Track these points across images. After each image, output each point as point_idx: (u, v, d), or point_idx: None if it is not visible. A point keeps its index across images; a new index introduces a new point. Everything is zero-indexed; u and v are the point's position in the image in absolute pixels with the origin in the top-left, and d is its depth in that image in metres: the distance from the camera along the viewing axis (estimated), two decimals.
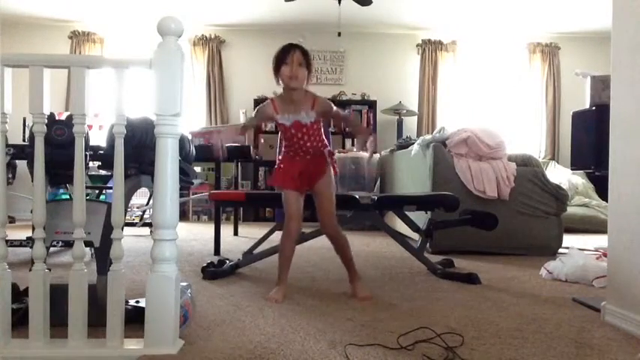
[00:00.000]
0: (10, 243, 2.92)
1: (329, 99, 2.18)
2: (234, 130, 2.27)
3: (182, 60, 1.40)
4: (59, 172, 1.78)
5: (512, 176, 3.38)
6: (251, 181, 6.55)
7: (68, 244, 3.16)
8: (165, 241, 1.39)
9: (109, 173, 1.98)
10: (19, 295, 1.61)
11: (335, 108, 2.18)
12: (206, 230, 4.71)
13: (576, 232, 4.65)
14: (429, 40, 6.78)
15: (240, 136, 2.27)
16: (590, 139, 5.58)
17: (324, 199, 2.10)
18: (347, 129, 2.47)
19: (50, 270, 1.43)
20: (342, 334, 1.56)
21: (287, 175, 2.12)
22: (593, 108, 5.60)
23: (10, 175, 4.39)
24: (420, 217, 3.03)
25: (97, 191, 3.85)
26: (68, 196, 3.04)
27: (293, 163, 2.13)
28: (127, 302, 1.55)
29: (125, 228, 1.54)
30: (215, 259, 2.79)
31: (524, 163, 3.56)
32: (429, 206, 2.79)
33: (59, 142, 1.78)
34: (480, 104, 6.76)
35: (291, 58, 2.00)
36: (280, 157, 2.20)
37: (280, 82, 2.06)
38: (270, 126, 6.52)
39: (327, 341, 1.49)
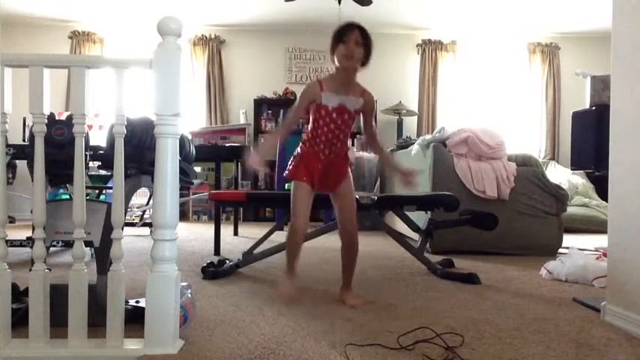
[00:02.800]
0: (10, 243, 2.92)
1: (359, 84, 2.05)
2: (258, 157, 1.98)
3: (181, 60, 1.40)
4: (59, 172, 1.78)
5: (512, 176, 3.38)
6: (251, 181, 6.55)
7: (68, 244, 3.16)
8: (165, 241, 1.39)
9: (109, 173, 1.98)
10: (19, 295, 1.61)
11: (373, 122, 2.11)
12: (206, 230, 4.71)
13: (576, 232, 4.65)
14: (429, 40, 6.78)
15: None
16: (590, 139, 5.58)
17: (348, 202, 1.99)
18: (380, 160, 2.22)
19: (50, 270, 1.43)
20: (342, 334, 1.55)
21: (307, 168, 1.95)
22: (593, 108, 5.60)
23: (10, 175, 4.39)
24: (420, 217, 3.03)
25: (97, 191, 3.85)
26: (68, 196, 3.04)
27: (316, 158, 1.97)
28: (127, 302, 1.55)
29: (125, 228, 1.54)
30: (215, 259, 2.78)
31: (524, 163, 3.56)
32: (429, 206, 2.79)
33: (59, 142, 1.78)
34: (480, 104, 6.76)
35: (349, 36, 1.87)
36: (300, 150, 2.01)
37: (335, 60, 1.91)
38: (270, 126, 6.53)
39: (327, 341, 1.49)
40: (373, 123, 2.13)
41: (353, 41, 1.88)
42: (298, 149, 2.03)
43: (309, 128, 2.00)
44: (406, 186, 2.05)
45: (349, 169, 2.05)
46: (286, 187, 2.08)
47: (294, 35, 6.72)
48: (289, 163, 2.03)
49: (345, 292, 2.04)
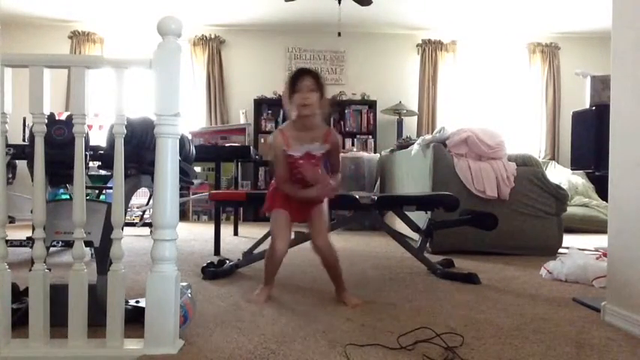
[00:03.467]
0: (10, 243, 2.92)
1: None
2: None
3: (181, 60, 1.40)
4: (59, 172, 1.78)
5: (512, 176, 3.38)
6: (251, 181, 6.55)
7: (68, 244, 3.16)
8: (165, 241, 1.39)
9: (109, 173, 1.98)
10: (19, 295, 1.62)
11: (339, 156, 2.15)
12: (206, 230, 4.71)
13: (576, 232, 4.65)
14: (429, 40, 6.78)
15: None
16: (590, 139, 5.57)
17: (317, 216, 2.02)
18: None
19: (50, 270, 1.43)
20: (342, 334, 1.56)
21: (283, 198, 2.02)
22: (593, 108, 5.60)
23: (10, 175, 4.39)
24: (420, 217, 3.03)
25: (97, 191, 3.85)
26: (68, 196, 3.04)
27: (290, 200, 2.03)
28: (127, 302, 1.55)
29: (125, 228, 1.54)
30: (215, 259, 2.78)
31: (524, 163, 3.56)
32: (429, 206, 2.79)
33: (59, 142, 1.78)
34: (480, 104, 6.76)
35: (301, 84, 1.93)
36: (275, 187, 2.08)
37: (293, 110, 1.96)
38: (269, 126, 6.53)
39: (327, 341, 1.49)
40: (339, 159, 2.16)
41: (306, 89, 1.93)
42: (273, 183, 2.10)
43: None
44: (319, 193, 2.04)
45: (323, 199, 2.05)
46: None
47: (294, 35, 6.72)
48: (266, 198, 2.10)
49: (342, 293, 2.04)
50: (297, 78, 1.96)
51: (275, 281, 2.10)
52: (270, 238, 2.04)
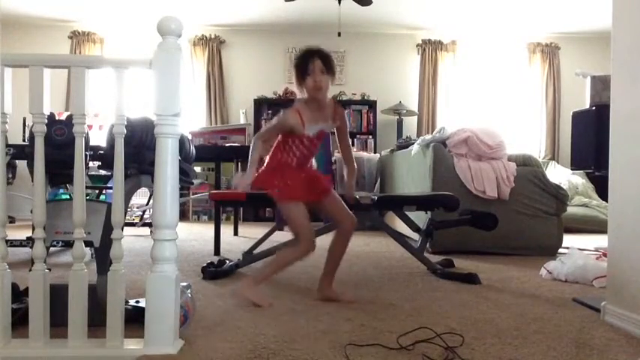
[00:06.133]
0: (10, 243, 2.92)
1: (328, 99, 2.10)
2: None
3: (181, 60, 1.40)
4: (59, 172, 1.78)
5: (512, 176, 3.38)
6: None
7: (68, 244, 3.16)
8: (165, 241, 1.39)
9: (109, 173, 1.98)
10: (19, 295, 1.61)
11: (348, 134, 2.18)
12: (206, 230, 4.71)
13: (576, 232, 4.65)
14: (429, 40, 6.78)
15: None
16: (590, 139, 5.57)
17: (334, 201, 2.03)
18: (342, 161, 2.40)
19: (50, 270, 1.43)
20: (342, 334, 1.55)
21: (298, 188, 1.96)
22: (593, 108, 5.59)
23: (10, 175, 4.40)
24: (420, 217, 3.03)
25: (97, 191, 3.85)
26: (68, 196, 3.04)
27: (299, 175, 2.00)
28: (127, 302, 1.55)
29: (125, 228, 1.54)
30: (215, 259, 2.78)
31: (524, 163, 3.56)
32: (429, 206, 2.79)
33: (59, 142, 1.78)
34: (479, 104, 6.76)
35: (312, 66, 1.92)
36: (273, 162, 2.02)
37: (304, 91, 1.96)
38: None
39: (327, 341, 1.49)
40: (348, 136, 2.19)
41: (318, 71, 1.93)
42: (269, 160, 2.03)
43: (288, 146, 2.01)
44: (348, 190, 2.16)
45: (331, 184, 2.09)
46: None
47: (294, 35, 6.71)
48: (266, 174, 2.01)
49: (330, 286, 2.05)
50: (308, 59, 1.94)
51: (271, 281, 2.09)
52: (292, 227, 1.97)
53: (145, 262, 2.85)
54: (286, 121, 1.96)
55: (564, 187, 3.74)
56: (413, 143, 3.96)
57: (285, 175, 1.97)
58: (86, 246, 1.49)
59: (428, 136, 3.73)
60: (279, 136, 2.02)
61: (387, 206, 2.99)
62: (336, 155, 5.41)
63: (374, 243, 3.94)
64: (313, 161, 2.14)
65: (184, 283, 1.64)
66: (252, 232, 4.52)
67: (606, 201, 1.98)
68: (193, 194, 6.04)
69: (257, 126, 6.52)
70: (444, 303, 2.01)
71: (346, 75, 6.81)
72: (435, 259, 2.84)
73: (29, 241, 2.91)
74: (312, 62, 1.93)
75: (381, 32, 6.83)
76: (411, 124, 6.73)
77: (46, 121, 1.42)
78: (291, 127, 1.95)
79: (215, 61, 6.67)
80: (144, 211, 4.56)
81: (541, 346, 1.47)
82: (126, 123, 1.44)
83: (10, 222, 4.82)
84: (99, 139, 2.42)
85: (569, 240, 3.60)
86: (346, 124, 2.13)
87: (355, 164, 2.24)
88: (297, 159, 2.00)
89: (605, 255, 2.38)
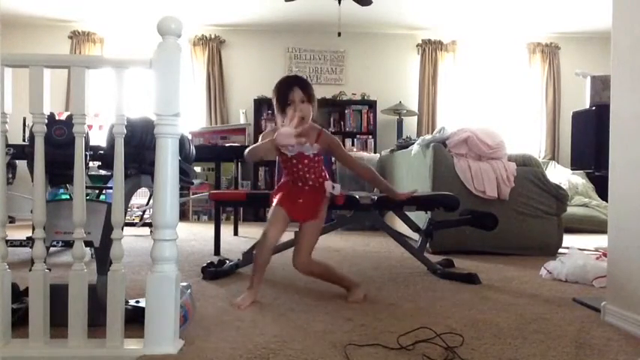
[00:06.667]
0: (10, 243, 2.92)
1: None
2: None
3: (182, 60, 1.40)
4: (59, 172, 1.78)
5: (512, 176, 3.38)
6: (251, 181, 6.55)
7: (68, 244, 3.16)
8: (165, 241, 1.39)
9: (109, 173, 1.98)
10: (19, 295, 1.61)
11: (345, 153, 2.18)
12: (206, 230, 4.71)
13: (576, 232, 4.65)
14: (429, 40, 6.78)
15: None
16: (590, 139, 5.57)
17: (305, 237, 2.02)
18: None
19: (50, 270, 1.43)
20: (342, 334, 1.56)
21: (284, 199, 2.06)
22: (593, 108, 5.60)
23: (10, 175, 4.40)
24: (420, 217, 3.03)
25: (97, 191, 3.85)
26: (68, 196, 3.04)
27: (293, 189, 2.08)
28: (127, 302, 1.55)
29: (125, 228, 1.54)
30: (215, 259, 2.78)
31: (524, 163, 3.56)
32: (429, 206, 2.79)
33: (59, 142, 1.78)
34: (479, 104, 6.76)
35: (292, 97, 1.93)
36: (280, 184, 2.16)
37: (288, 124, 1.93)
38: (270, 126, 6.52)
39: (327, 341, 1.49)
40: (344, 154, 2.19)
41: (298, 101, 1.93)
42: (277, 185, 2.18)
43: (282, 168, 2.12)
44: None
45: (323, 212, 2.06)
46: None
47: (294, 35, 6.72)
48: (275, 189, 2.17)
49: (352, 290, 2.07)
50: (287, 90, 1.95)
51: (263, 283, 2.07)
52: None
53: (145, 262, 2.85)
54: (265, 135, 2.06)
55: (564, 187, 3.74)
56: (413, 143, 3.96)
57: (281, 188, 2.12)
58: (86, 246, 1.49)
59: (428, 136, 3.73)
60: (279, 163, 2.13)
61: (387, 206, 2.99)
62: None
63: (374, 243, 3.94)
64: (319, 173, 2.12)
65: (184, 283, 1.64)
66: (252, 232, 4.52)
67: (606, 201, 1.98)
68: (193, 194, 6.04)
69: (257, 126, 6.53)
70: (444, 303, 2.01)
71: (346, 75, 6.81)
72: (435, 259, 2.84)
73: (29, 241, 2.91)
74: (292, 93, 1.94)
75: (381, 32, 6.83)
76: (411, 124, 6.73)
77: (46, 121, 1.42)
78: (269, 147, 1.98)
79: (215, 61, 6.67)
80: (144, 211, 4.56)
81: (541, 346, 1.47)
82: (126, 123, 1.44)
83: (10, 222, 4.83)
84: (99, 139, 2.42)
85: (569, 240, 3.60)
86: (337, 145, 2.12)
87: (366, 166, 2.29)
88: (291, 179, 2.08)
89: (605, 255, 2.38)
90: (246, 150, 2.05)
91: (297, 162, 2.04)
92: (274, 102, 2.01)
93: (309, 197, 2.05)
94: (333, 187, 2.07)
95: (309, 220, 2.02)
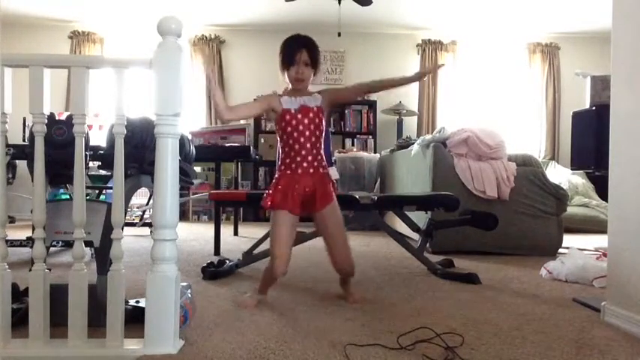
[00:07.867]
0: (10, 243, 2.92)
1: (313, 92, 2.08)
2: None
3: (182, 60, 1.40)
4: (59, 172, 1.78)
5: (512, 176, 3.38)
6: (251, 181, 6.55)
7: (68, 244, 3.16)
8: (165, 241, 1.39)
9: (109, 173, 1.98)
10: (19, 295, 1.62)
11: (345, 87, 2.17)
12: (206, 230, 4.71)
13: (576, 232, 4.65)
14: (429, 40, 6.78)
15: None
16: (590, 139, 5.58)
17: (336, 226, 1.90)
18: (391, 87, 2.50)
19: (50, 270, 1.43)
20: (342, 334, 1.55)
21: (285, 193, 1.86)
22: (593, 108, 5.60)
23: (10, 175, 4.40)
24: (420, 217, 3.03)
25: (97, 191, 3.85)
26: (68, 196, 3.04)
27: (294, 178, 1.88)
28: (127, 302, 1.55)
29: (125, 228, 1.54)
30: (215, 259, 2.78)
31: (524, 163, 3.56)
32: (429, 206, 2.79)
33: (59, 142, 1.78)
34: (480, 104, 6.75)
35: (297, 57, 1.91)
36: (278, 175, 1.94)
37: (286, 80, 1.96)
38: (269, 126, 6.53)
39: (327, 341, 1.49)
40: (346, 88, 2.23)
41: (302, 63, 1.92)
42: (276, 175, 1.96)
43: (282, 149, 1.95)
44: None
45: (333, 193, 1.97)
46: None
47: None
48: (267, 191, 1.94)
49: (348, 290, 2.05)
50: (294, 50, 1.92)
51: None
52: (269, 240, 1.91)
53: (145, 262, 2.85)
54: (264, 96, 2.02)
55: (564, 187, 3.73)
56: (413, 143, 3.96)
57: (279, 181, 1.91)
58: (86, 246, 1.49)
59: (428, 136, 3.73)
60: (281, 150, 1.96)
61: (387, 206, 2.99)
62: (337, 155, 5.42)
63: (374, 243, 3.94)
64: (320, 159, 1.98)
65: (184, 283, 1.64)
66: (252, 232, 4.52)
67: (606, 201, 1.98)
68: (193, 194, 6.03)
69: (257, 126, 6.53)
70: (444, 303, 2.01)
71: (346, 75, 6.80)
72: (435, 259, 2.84)
73: (29, 241, 2.91)
74: (298, 53, 1.91)
75: (381, 32, 6.82)
76: (411, 124, 6.73)
77: (46, 121, 1.42)
78: (269, 102, 1.94)
79: (215, 61, 6.66)
80: (144, 211, 4.56)
81: (541, 346, 1.47)
82: (126, 123, 1.44)
83: (10, 222, 4.82)
84: (99, 139, 2.42)
85: (569, 240, 3.60)
86: (335, 88, 2.13)
87: (382, 79, 2.31)
88: (293, 160, 1.89)
89: (605, 255, 2.38)
90: (229, 107, 1.91)
91: (302, 117, 1.89)
92: (279, 57, 1.96)
93: (318, 180, 1.90)
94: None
95: (328, 204, 1.90)
